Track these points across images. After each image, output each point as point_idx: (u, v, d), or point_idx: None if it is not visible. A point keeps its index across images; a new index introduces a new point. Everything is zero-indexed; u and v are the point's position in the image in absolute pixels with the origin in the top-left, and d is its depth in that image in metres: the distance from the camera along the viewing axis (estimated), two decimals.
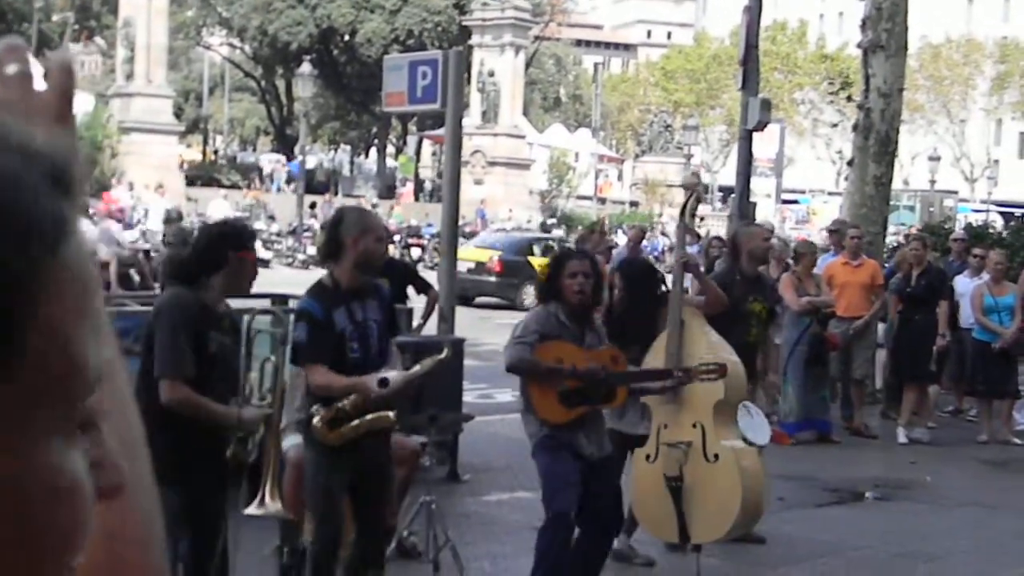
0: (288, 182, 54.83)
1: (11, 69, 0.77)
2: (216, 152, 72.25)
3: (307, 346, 6.17)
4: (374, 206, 44.24)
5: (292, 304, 8.25)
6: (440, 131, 34.23)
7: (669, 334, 7.56)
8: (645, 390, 7.58)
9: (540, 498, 6.95)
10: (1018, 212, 43.99)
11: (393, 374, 6.17)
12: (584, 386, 6.85)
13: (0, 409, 0.72)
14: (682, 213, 8.04)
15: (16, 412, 0.73)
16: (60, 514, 0.75)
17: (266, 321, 6.83)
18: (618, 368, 7.02)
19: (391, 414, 6.35)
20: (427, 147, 68.81)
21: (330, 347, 6.16)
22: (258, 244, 35.61)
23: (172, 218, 21.30)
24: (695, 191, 8.10)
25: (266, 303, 8.14)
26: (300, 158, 44.99)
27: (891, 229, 23.89)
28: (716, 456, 7.55)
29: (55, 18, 62.42)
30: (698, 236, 24.12)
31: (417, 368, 6.53)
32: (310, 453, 6.34)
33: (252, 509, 6.23)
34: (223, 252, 5.85)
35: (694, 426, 7.58)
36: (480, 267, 27.74)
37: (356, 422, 6.16)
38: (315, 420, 6.15)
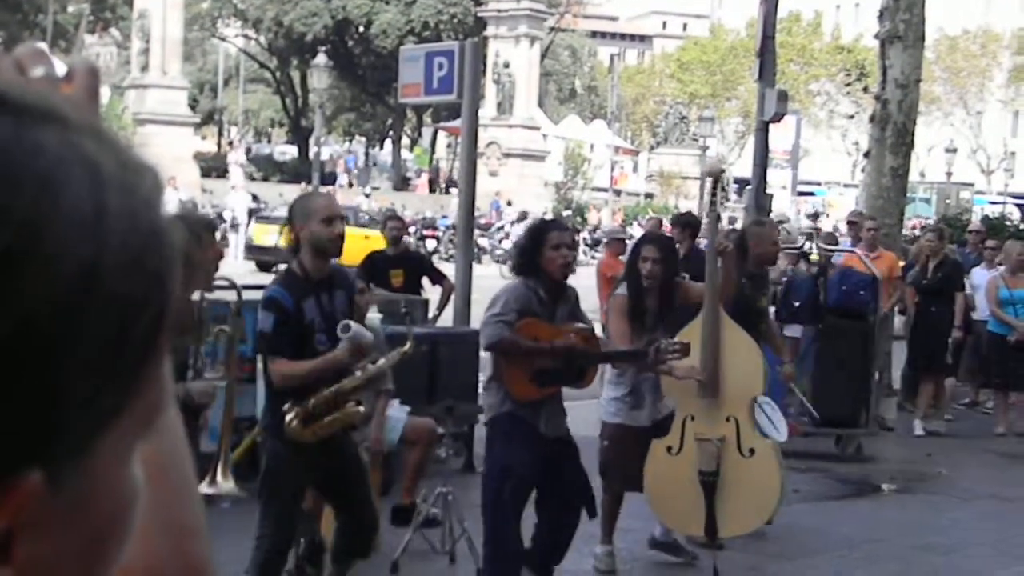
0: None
1: (37, 72, 0.75)
2: (231, 143, 72.31)
3: (273, 336, 6.00)
4: (367, 196, 44.12)
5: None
6: (455, 122, 34.18)
7: (706, 326, 7.49)
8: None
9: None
10: None
11: (358, 325, 6.05)
12: (557, 367, 6.76)
13: (124, 437, 0.72)
14: (712, 203, 7.97)
15: (131, 439, 0.74)
16: (128, 523, 0.76)
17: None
18: (589, 347, 6.95)
19: (361, 408, 6.30)
20: (442, 138, 68.82)
21: (295, 338, 6.00)
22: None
23: (187, 210, 21.35)
24: (719, 179, 8.02)
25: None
26: (317, 149, 45.04)
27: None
28: (752, 451, 7.51)
29: (70, 9, 62.46)
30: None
31: (383, 361, 6.51)
32: (275, 447, 6.16)
33: (203, 488, 6.20)
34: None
35: (728, 420, 7.53)
36: None
37: (329, 418, 6.07)
38: (288, 418, 6.01)
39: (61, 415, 0.66)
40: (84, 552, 0.72)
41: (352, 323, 5.99)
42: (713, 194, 7.93)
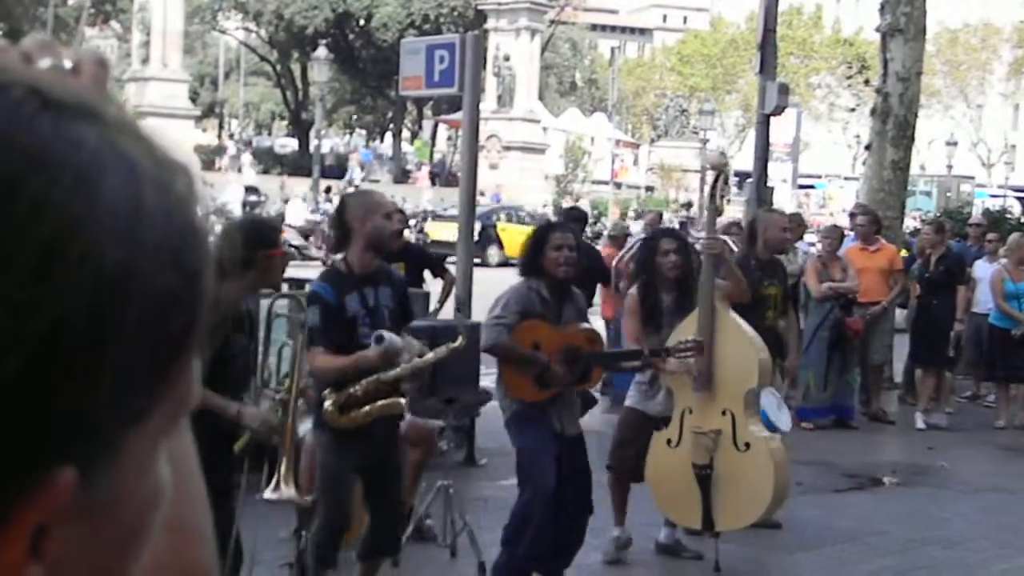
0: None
1: (44, 63, 0.75)
2: (232, 136, 72.29)
3: (320, 329, 6.09)
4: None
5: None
6: (456, 115, 34.16)
7: (701, 320, 7.48)
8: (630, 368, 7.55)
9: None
10: None
11: (391, 335, 6.09)
12: (560, 367, 6.74)
13: (152, 433, 0.72)
14: (711, 196, 7.91)
15: (159, 435, 0.73)
16: (153, 521, 0.75)
17: (284, 305, 6.80)
18: (594, 348, 6.94)
19: (402, 400, 6.34)
20: (442, 131, 68.78)
21: (340, 332, 6.09)
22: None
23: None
24: (723, 172, 7.97)
25: (283, 287, 8.11)
26: (317, 142, 45.01)
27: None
28: (747, 445, 7.50)
29: (71, 2, 62.37)
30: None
31: (430, 355, 6.51)
32: (321, 437, 6.31)
33: (267, 494, 6.22)
34: (252, 253, 5.77)
35: (723, 413, 7.52)
36: None
37: (367, 408, 6.12)
38: (326, 404, 6.11)
39: (95, 412, 0.66)
40: (112, 547, 0.72)
41: (386, 334, 6.02)
42: (714, 187, 7.89)
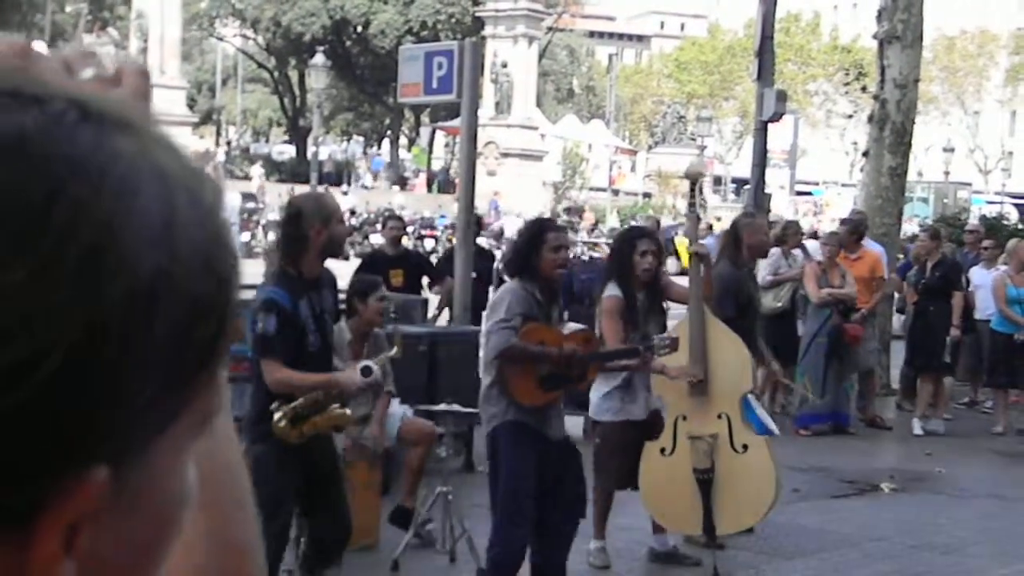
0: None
1: (87, 74, 0.76)
2: (229, 143, 72.28)
3: (276, 339, 5.98)
4: (344, 194, 43.93)
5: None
6: (454, 122, 34.22)
7: (692, 325, 7.51)
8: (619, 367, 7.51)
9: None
10: None
11: (374, 364, 6.09)
12: (561, 369, 6.71)
13: (180, 436, 0.73)
14: (691, 204, 7.98)
15: (187, 439, 0.75)
16: (179, 522, 0.76)
17: None
18: (590, 348, 6.93)
19: (348, 411, 6.34)
20: (440, 138, 68.79)
21: (294, 340, 6.00)
22: (272, 235, 35.70)
23: None
24: (698, 181, 8.04)
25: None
26: (315, 149, 44.99)
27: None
28: (745, 447, 7.52)
29: (68, 9, 62.45)
30: (709, 227, 24.06)
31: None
32: (260, 450, 6.03)
33: None
34: None
35: (719, 417, 7.55)
36: None
37: (317, 419, 6.08)
38: (277, 417, 6.00)
39: (127, 413, 0.68)
40: (138, 546, 0.73)
41: (374, 367, 6.00)
42: (692, 196, 7.95)
